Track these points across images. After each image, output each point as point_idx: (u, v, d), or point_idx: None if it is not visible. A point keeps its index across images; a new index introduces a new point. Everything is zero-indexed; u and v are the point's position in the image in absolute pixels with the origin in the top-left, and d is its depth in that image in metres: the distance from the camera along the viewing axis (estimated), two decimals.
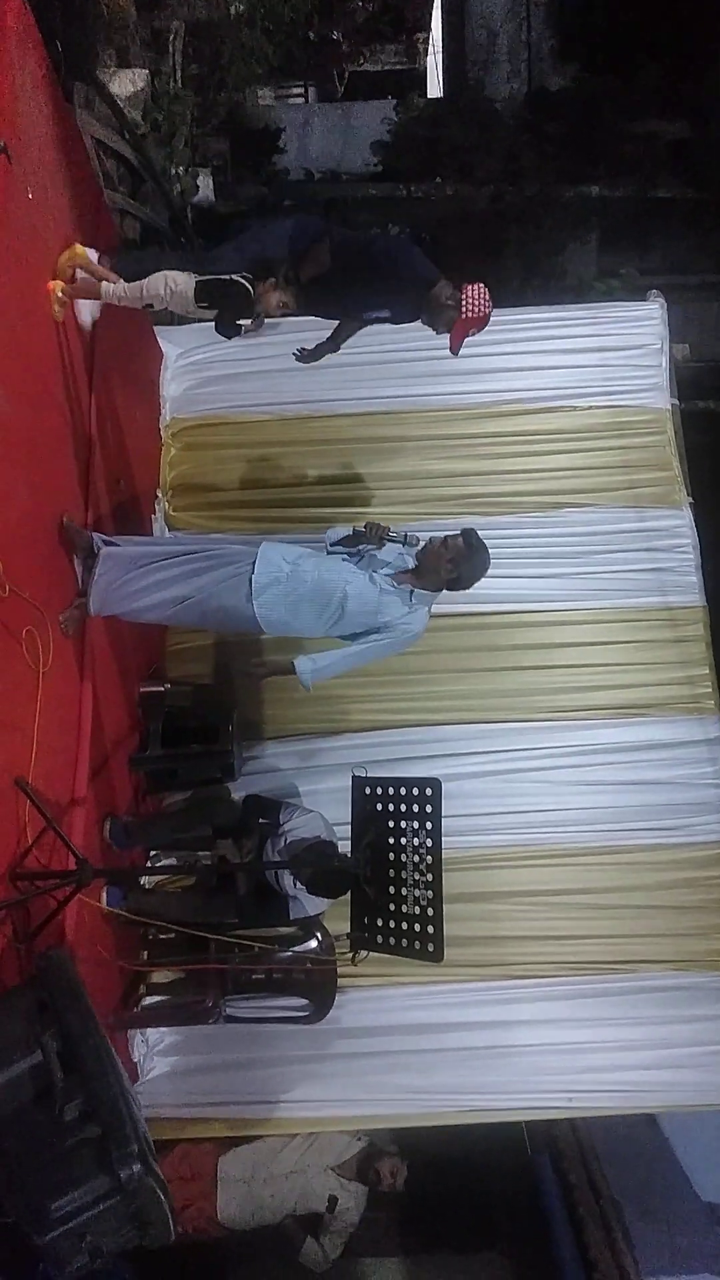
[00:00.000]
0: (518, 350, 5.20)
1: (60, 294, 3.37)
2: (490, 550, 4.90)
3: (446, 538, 3.46)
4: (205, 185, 8.07)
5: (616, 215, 9.72)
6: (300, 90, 12.92)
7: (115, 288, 3.42)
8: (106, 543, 3.45)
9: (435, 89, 12.19)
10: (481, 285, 3.38)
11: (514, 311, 5.37)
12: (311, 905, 3.75)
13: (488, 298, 3.42)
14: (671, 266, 9.86)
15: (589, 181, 9.36)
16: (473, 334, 3.44)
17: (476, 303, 3.40)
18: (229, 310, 3.44)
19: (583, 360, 5.22)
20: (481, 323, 3.45)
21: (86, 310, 3.72)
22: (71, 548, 3.43)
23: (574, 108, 9.57)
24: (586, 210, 9.53)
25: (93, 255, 3.45)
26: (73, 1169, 2.19)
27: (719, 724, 4.78)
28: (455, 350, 3.47)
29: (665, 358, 5.23)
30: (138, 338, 4.88)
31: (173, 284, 3.34)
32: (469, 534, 3.49)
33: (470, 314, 3.40)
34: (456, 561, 3.43)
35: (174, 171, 6.95)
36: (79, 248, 3.42)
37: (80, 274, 3.43)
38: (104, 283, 3.42)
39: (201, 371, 5.27)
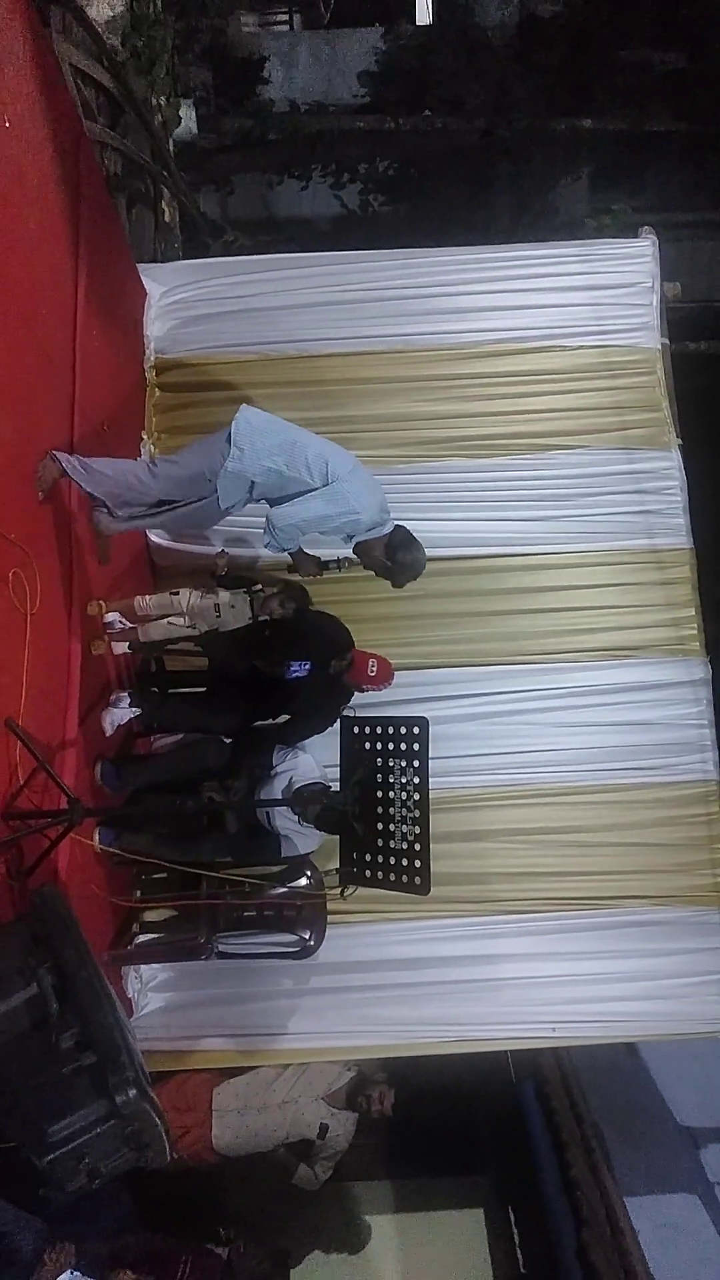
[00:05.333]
0: (507, 288, 5.11)
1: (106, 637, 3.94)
2: (479, 493, 4.93)
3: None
4: (188, 117, 7.85)
5: (609, 150, 9.50)
6: (285, 17, 12.48)
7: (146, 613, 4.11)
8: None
9: (424, 15, 11.78)
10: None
11: (504, 249, 5.28)
12: (302, 843, 3.81)
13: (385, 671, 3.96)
14: (665, 203, 9.68)
15: (581, 114, 9.13)
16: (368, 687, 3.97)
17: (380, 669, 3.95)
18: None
19: (573, 299, 5.13)
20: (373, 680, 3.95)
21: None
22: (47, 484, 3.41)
23: (566, 36, 9.29)
24: (578, 144, 9.31)
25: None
26: (70, 1094, 2.26)
27: (704, 665, 4.83)
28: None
29: (656, 296, 5.16)
30: (120, 275, 4.79)
31: (194, 600, 4.04)
32: (395, 547, 3.68)
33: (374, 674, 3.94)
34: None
35: (155, 101, 6.74)
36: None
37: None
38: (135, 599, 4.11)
39: (186, 310, 5.17)
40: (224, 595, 4.05)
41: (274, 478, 3.50)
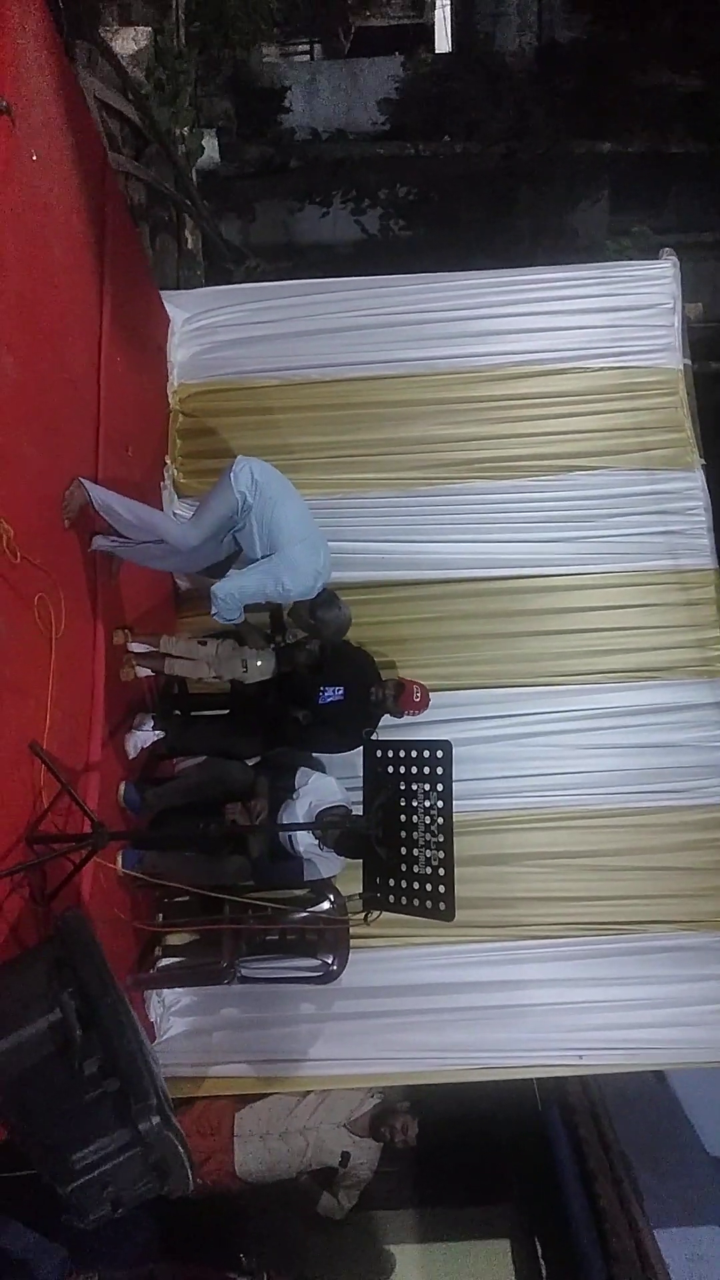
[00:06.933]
0: (528, 311, 5.12)
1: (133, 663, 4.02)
2: (501, 515, 4.94)
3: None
4: (210, 146, 7.95)
5: (628, 172, 9.57)
6: (305, 47, 12.68)
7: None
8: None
9: (444, 44, 11.92)
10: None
11: (524, 272, 5.29)
12: (325, 867, 3.80)
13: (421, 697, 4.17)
14: (685, 224, 9.71)
15: (600, 137, 9.19)
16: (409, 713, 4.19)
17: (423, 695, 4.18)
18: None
19: (594, 320, 5.13)
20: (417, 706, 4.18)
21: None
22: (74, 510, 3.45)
23: (585, 61, 9.38)
24: (598, 167, 9.38)
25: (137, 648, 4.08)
26: (93, 1121, 2.25)
27: None
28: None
29: (678, 317, 5.15)
30: (144, 301, 4.85)
31: (222, 652, 4.07)
32: (316, 606, 3.96)
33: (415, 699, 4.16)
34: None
35: (179, 132, 6.85)
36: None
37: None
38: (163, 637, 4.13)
39: (209, 336, 5.22)
40: (251, 651, 4.08)
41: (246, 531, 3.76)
